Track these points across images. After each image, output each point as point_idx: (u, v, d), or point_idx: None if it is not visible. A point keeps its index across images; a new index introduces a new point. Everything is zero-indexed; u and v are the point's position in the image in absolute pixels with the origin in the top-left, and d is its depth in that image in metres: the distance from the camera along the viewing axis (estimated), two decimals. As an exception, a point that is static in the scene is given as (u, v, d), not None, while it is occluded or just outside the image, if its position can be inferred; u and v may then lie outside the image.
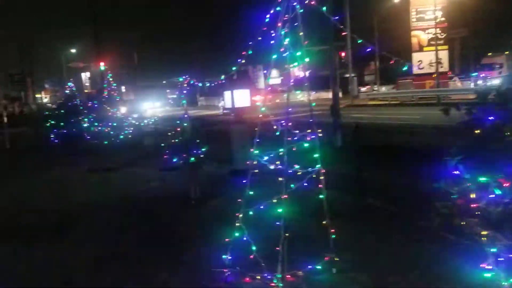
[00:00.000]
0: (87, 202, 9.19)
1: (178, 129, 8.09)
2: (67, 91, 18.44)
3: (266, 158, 4.69)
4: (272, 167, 4.60)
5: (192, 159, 8.06)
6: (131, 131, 13.18)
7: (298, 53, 4.54)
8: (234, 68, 6.11)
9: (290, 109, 4.57)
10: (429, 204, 4.15)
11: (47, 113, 20.14)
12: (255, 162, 4.74)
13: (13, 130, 23.52)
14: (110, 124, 12.74)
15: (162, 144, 8.27)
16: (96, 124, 12.66)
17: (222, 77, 6.62)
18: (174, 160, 8.20)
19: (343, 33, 14.82)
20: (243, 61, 5.75)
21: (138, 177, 11.54)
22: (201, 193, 8.39)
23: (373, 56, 45.74)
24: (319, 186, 4.85)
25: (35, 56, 66.80)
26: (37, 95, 75.40)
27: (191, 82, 8.37)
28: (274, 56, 4.64)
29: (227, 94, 10.67)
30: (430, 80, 40.93)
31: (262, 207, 4.78)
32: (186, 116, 8.16)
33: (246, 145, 10.52)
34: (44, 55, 68.67)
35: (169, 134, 8.44)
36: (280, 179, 4.48)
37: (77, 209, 8.65)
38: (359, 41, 4.86)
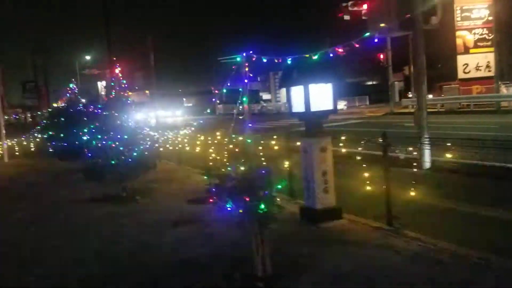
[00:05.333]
0: (74, 267, 5.41)
1: (236, 149, 4.27)
2: (69, 95, 14.77)
3: None
4: None
5: (262, 206, 4.19)
6: (147, 146, 9.34)
7: None
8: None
9: None
10: None
11: (44, 121, 16.37)
12: None
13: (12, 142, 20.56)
14: (119, 136, 8.93)
15: (205, 177, 4.29)
16: (99, 136, 8.89)
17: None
18: (228, 206, 4.29)
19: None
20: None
21: (158, 214, 7.74)
22: (269, 262, 4.50)
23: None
24: None
25: (50, 64, 64.63)
26: (54, 104, 73.17)
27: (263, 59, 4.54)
28: None
29: (295, 90, 6.75)
30: (477, 86, 36.95)
31: None
32: (250, 125, 4.32)
33: (327, 170, 6.64)
34: (60, 63, 66.82)
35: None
36: None
37: (54, 283, 4.88)
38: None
